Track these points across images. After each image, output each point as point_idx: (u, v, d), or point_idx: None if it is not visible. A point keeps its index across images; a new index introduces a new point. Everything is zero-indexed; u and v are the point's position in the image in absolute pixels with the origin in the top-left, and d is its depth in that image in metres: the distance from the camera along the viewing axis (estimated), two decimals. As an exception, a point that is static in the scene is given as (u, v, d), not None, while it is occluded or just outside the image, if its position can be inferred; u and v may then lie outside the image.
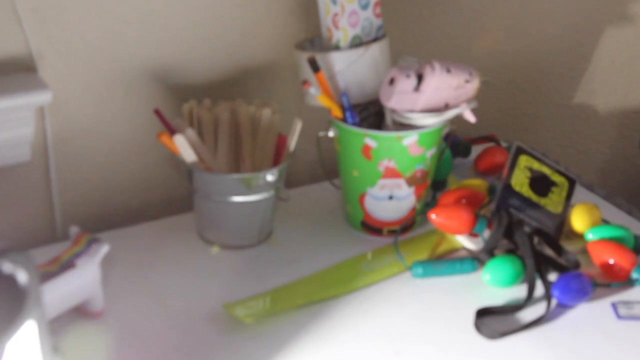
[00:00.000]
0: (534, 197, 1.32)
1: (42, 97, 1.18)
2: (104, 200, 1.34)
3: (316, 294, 1.16)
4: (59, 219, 1.31)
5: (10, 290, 0.73)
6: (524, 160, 1.35)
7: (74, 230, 1.09)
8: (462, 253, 1.29)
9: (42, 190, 1.29)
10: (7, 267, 0.71)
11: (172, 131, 1.23)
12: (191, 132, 1.23)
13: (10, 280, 0.72)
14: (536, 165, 1.36)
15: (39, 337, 0.74)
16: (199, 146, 1.24)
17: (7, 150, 1.21)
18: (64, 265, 1.04)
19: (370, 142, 1.25)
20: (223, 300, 1.13)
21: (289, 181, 1.33)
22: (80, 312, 1.10)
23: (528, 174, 1.34)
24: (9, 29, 1.18)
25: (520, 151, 1.36)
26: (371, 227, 1.32)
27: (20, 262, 0.72)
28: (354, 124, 1.27)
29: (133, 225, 1.32)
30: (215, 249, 1.26)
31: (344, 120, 1.28)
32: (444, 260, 1.25)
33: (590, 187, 1.50)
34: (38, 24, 1.20)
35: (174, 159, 1.27)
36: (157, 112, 1.23)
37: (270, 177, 1.23)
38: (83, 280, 1.05)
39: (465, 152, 1.56)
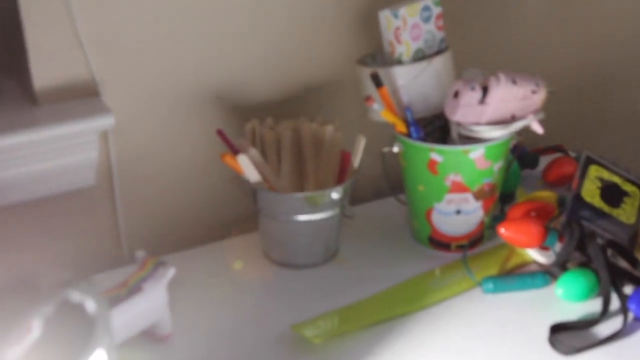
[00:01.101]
0: (605, 208, 1.29)
1: (105, 122, 1.19)
2: (169, 222, 1.35)
3: (385, 313, 1.15)
4: (125, 241, 1.31)
5: (80, 319, 0.73)
6: (593, 170, 1.32)
7: (140, 254, 1.09)
8: (533, 267, 1.26)
9: (107, 213, 1.29)
10: (76, 296, 0.71)
11: (235, 151, 1.22)
12: (254, 152, 1.22)
13: (80, 309, 0.72)
14: (607, 175, 1.32)
15: None
16: (263, 165, 1.23)
17: (73, 175, 1.22)
18: (132, 290, 1.04)
19: (436, 157, 1.23)
20: (291, 321, 1.12)
21: (353, 198, 1.31)
22: (148, 336, 1.10)
23: (599, 184, 1.31)
24: (72, 55, 1.19)
25: (589, 161, 1.33)
26: (439, 243, 1.30)
27: (88, 291, 0.72)
28: (419, 138, 1.26)
29: (199, 246, 1.32)
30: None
31: (409, 135, 1.26)
32: (515, 275, 1.22)
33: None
34: (100, 50, 1.21)
35: (238, 179, 1.27)
36: (220, 133, 1.23)
37: (335, 195, 1.22)
38: (150, 304, 1.05)
39: (533, 163, 1.53)
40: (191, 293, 1.20)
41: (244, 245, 1.32)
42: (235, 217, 1.39)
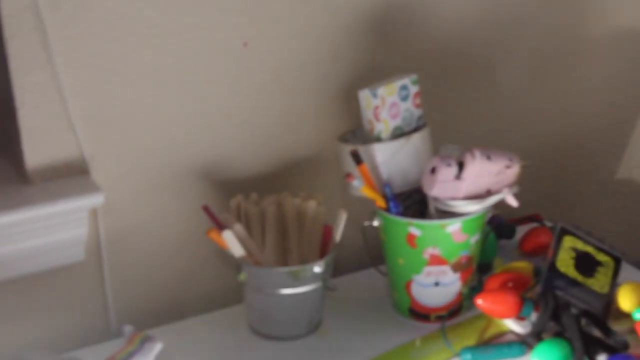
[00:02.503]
0: (579, 278, 1.32)
1: (94, 200, 1.22)
2: (157, 296, 1.38)
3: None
4: (113, 316, 1.34)
5: None
6: (568, 241, 1.36)
7: (127, 329, 1.12)
8: (510, 337, 1.29)
9: (95, 289, 1.32)
10: None
11: (220, 227, 1.26)
12: (239, 227, 1.26)
13: None
14: (580, 245, 1.36)
15: None
16: (247, 240, 1.27)
17: (62, 251, 1.26)
18: (119, 365, 1.07)
19: (415, 231, 1.27)
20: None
21: (336, 269, 1.35)
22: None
23: (573, 254, 1.35)
24: (63, 135, 1.23)
25: (564, 232, 1.37)
26: (419, 314, 1.34)
27: None
28: (398, 213, 1.30)
29: (186, 318, 1.35)
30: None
31: (388, 210, 1.30)
32: (492, 345, 1.25)
33: (637, 265, 1.49)
34: (91, 129, 1.25)
35: (223, 253, 1.30)
36: (206, 209, 1.27)
37: (317, 269, 1.25)
38: (138, 379, 1.08)
39: (510, 234, 1.57)
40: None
41: (230, 318, 1.35)
42: (221, 289, 1.42)
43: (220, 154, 1.37)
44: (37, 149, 1.23)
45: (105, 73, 1.24)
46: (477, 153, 1.26)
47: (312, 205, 1.30)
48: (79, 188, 1.23)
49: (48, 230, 1.22)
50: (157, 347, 1.10)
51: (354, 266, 1.50)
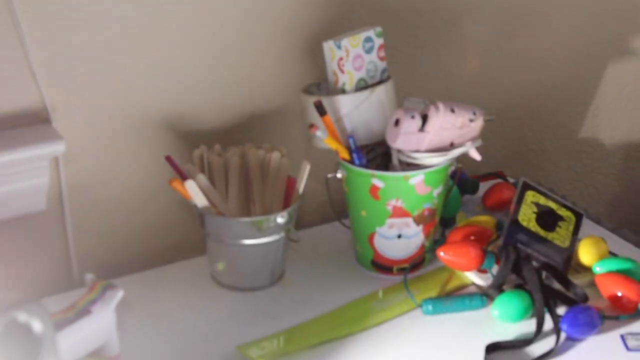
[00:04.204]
0: (541, 232, 1.34)
1: (55, 148, 1.21)
2: (119, 246, 1.37)
3: (329, 333, 1.18)
4: (75, 266, 1.33)
5: (26, 340, 0.75)
6: (530, 196, 1.37)
7: (89, 277, 1.12)
8: (472, 289, 1.30)
9: (58, 238, 1.32)
10: (22, 317, 0.74)
11: (183, 177, 1.25)
12: (202, 177, 1.25)
13: (26, 329, 0.74)
14: (543, 201, 1.37)
15: None
16: (210, 191, 1.27)
17: (23, 200, 1.25)
18: (80, 312, 1.06)
19: (378, 183, 1.28)
20: (237, 342, 1.15)
21: (299, 222, 1.35)
22: (96, 358, 1.12)
23: (535, 209, 1.36)
24: (23, 83, 1.22)
25: (526, 187, 1.38)
26: (381, 266, 1.34)
27: (35, 312, 0.74)
28: (361, 165, 1.30)
29: (148, 269, 1.35)
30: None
31: (351, 161, 1.30)
32: (454, 296, 1.26)
33: (597, 221, 1.51)
34: (52, 78, 1.24)
35: (186, 204, 1.30)
36: (169, 159, 1.26)
37: (280, 220, 1.26)
38: (99, 326, 1.07)
39: (473, 189, 1.58)
40: (139, 315, 1.22)
41: (193, 269, 1.35)
42: (184, 241, 1.42)
43: (183, 105, 1.36)
44: (-2, 96, 1.22)
45: (66, 21, 1.22)
46: (441, 105, 1.27)
47: (275, 156, 1.29)
48: (40, 136, 1.22)
49: (9, 179, 1.21)
50: (119, 294, 1.09)
51: (317, 220, 1.51)
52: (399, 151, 1.30)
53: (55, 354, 0.76)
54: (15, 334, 0.73)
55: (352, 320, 1.22)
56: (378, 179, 1.27)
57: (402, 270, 1.34)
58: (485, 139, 1.33)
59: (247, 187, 1.31)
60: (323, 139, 1.28)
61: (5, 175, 1.20)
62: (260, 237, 1.26)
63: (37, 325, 0.74)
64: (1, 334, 0.71)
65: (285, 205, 1.30)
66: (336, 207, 1.40)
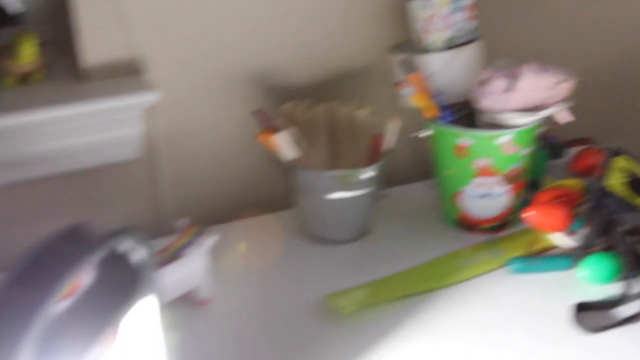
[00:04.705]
0: (630, 198, 1.32)
1: (148, 98, 1.24)
2: (207, 197, 1.40)
3: (414, 287, 1.19)
4: (164, 215, 1.36)
5: (127, 268, 0.77)
6: (620, 161, 1.35)
7: (181, 222, 1.14)
8: (558, 251, 1.29)
9: (148, 187, 1.35)
10: (123, 246, 0.75)
11: (272, 131, 1.27)
12: (290, 131, 1.27)
13: (127, 258, 0.76)
14: (632, 166, 1.35)
15: (155, 313, 0.79)
16: (298, 145, 1.28)
17: (116, 149, 1.28)
18: (173, 255, 1.09)
19: (465, 142, 1.27)
20: (323, 293, 1.17)
21: (386, 180, 1.35)
22: (188, 301, 1.14)
23: (624, 174, 1.34)
24: (119, 34, 1.25)
25: (616, 152, 1.36)
26: (467, 225, 1.34)
27: (136, 241, 0.75)
28: (448, 123, 1.30)
29: (235, 221, 1.37)
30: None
31: (438, 120, 1.30)
32: (541, 256, 1.26)
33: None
34: (147, 29, 1.27)
35: (274, 158, 1.31)
36: (258, 113, 1.28)
37: (367, 175, 1.26)
38: (191, 269, 1.10)
39: (561, 153, 1.56)
40: (229, 264, 1.24)
41: (280, 222, 1.36)
42: (272, 194, 1.43)
43: (273, 61, 1.37)
44: (94, 47, 1.25)
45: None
46: (531, 66, 1.26)
47: (363, 113, 1.30)
48: (133, 86, 1.25)
49: (102, 127, 1.24)
50: (212, 239, 1.12)
51: (402, 179, 1.51)
52: (486, 111, 1.29)
53: (154, 284, 0.78)
54: (115, 263, 0.75)
55: (437, 276, 1.22)
56: (465, 137, 1.27)
57: (487, 230, 1.33)
58: (576, 104, 1.31)
59: (334, 143, 1.32)
60: (409, 97, 1.28)
61: (99, 124, 1.23)
62: (348, 192, 1.27)
63: (137, 255, 0.76)
64: (102, 262, 0.72)
65: (372, 162, 1.31)
66: (422, 166, 1.40)
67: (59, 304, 0.66)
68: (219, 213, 1.39)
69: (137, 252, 0.76)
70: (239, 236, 1.32)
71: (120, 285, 0.76)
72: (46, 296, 0.63)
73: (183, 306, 1.14)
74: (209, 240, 1.12)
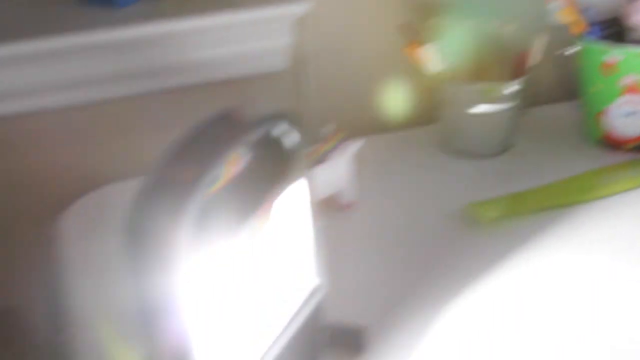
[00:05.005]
0: None
1: (298, 9, 1.27)
2: (351, 109, 1.42)
3: (556, 200, 1.19)
4: (308, 127, 1.39)
5: (280, 152, 0.79)
6: None
7: (328, 128, 1.17)
8: None
9: (293, 99, 1.38)
10: (277, 130, 0.78)
11: (418, 44, 1.28)
12: (436, 45, 1.28)
13: (280, 142, 0.79)
14: None
15: (306, 199, 0.82)
16: (444, 59, 1.29)
17: (263, 59, 1.32)
18: (319, 159, 1.12)
19: (613, 58, 1.26)
20: (464, 203, 1.19)
21: (529, 98, 1.35)
22: (331, 204, 1.18)
23: None
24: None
25: None
26: (611, 144, 1.33)
27: (289, 126, 0.78)
28: (597, 38, 1.28)
29: (378, 134, 1.40)
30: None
31: (586, 36, 1.29)
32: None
33: None
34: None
35: (420, 71, 1.33)
36: (405, 26, 1.29)
37: (511, 89, 1.27)
38: (336, 172, 1.13)
39: None
40: (371, 171, 1.27)
41: (424, 136, 1.39)
42: (416, 108, 1.45)
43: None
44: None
45: None
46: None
47: (509, 28, 1.30)
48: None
49: (252, 37, 1.28)
50: (356, 145, 1.15)
51: (546, 98, 1.50)
52: (637, 27, 1.27)
53: (305, 169, 0.80)
54: (268, 147, 0.77)
55: (579, 191, 1.22)
56: (613, 53, 1.25)
57: (631, 149, 1.32)
58: None
59: (479, 57, 1.32)
60: (558, 11, 1.27)
61: (249, 34, 1.27)
62: (491, 106, 1.27)
63: (290, 140, 0.78)
64: (256, 145, 0.75)
65: (517, 77, 1.31)
66: (568, 84, 1.39)
67: (216, 182, 0.70)
68: (362, 126, 1.42)
69: (290, 137, 0.78)
70: (382, 148, 1.35)
71: (273, 168, 0.78)
72: (203, 174, 0.66)
73: (327, 208, 1.18)
74: (353, 146, 1.15)
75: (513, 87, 1.27)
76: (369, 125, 1.42)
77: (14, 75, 1.22)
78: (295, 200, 0.80)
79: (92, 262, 1.10)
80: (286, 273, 0.80)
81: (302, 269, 0.83)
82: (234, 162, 0.72)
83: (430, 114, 1.36)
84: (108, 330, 0.95)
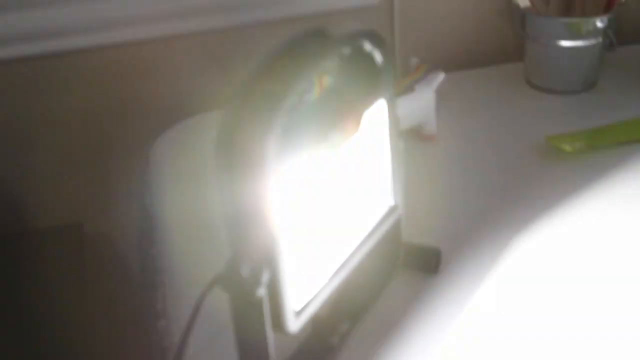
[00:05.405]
0: None
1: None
2: (439, 45, 1.45)
3: (634, 134, 1.20)
4: (399, 57, 1.43)
5: (369, 67, 0.81)
6: None
7: (414, 60, 1.20)
8: None
9: (385, 32, 1.42)
10: (367, 46, 0.80)
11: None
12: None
13: (369, 58, 0.80)
14: None
15: (392, 117, 0.84)
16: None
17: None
18: (405, 89, 1.16)
19: None
20: (544, 136, 1.21)
21: (618, 35, 1.35)
22: (414, 135, 1.22)
23: None
24: None
25: None
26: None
27: (377, 44, 0.80)
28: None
29: (464, 70, 1.42)
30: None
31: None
32: None
33: None
34: None
35: (507, 8, 1.34)
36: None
37: (599, 24, 1.27)
38: (421, 103, 1.16)
39: None
40: (455, 104, 1.31)
41: (508, 72, 1.40)
42: (503, 45, 1.47)
43: None
44: None
45: None
46: None
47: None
48: None
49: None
50: (441, 76, 1.17)
51: (633, 38, 1.49)
52: None
53: (392, 86, 0.82)
54: (358, 61, 0.79)
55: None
56: None
57: None
58: None
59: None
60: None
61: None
62: (578, 40, 1.28)
63: (379, 56, 0.79)
64: (346, 58, 0.76)
65: (605, 12, 1.31)
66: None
67: (306, 94, 0.72)
68: (448, 61, 1.44)
69: (378, 55, 0.80)
70: (467, 84, 1.37)
71: (362, 83, 0.79)
72: (293, 85, 0.67)
73: (410, 138, 1.22)
74: (438, 77, 1.18)
75: (601, 21, 1.27)
76: (455, 61, 1.44)
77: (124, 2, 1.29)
78: (380, 120, 0.82)
79: (183, 182, 1.17)
80: (366, 189, 0.83)
81: (381, 188, 0.86)
82: (325, 74, 0.74)
83: (517, 51, 1.38)
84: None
